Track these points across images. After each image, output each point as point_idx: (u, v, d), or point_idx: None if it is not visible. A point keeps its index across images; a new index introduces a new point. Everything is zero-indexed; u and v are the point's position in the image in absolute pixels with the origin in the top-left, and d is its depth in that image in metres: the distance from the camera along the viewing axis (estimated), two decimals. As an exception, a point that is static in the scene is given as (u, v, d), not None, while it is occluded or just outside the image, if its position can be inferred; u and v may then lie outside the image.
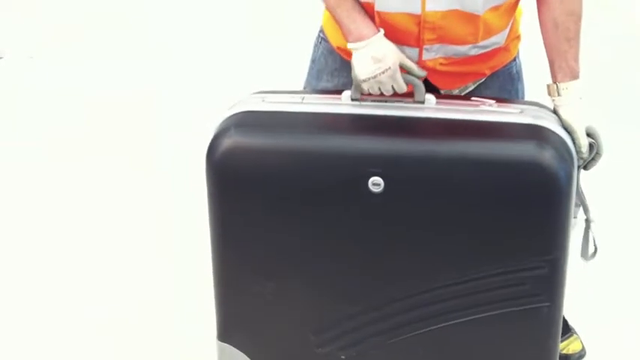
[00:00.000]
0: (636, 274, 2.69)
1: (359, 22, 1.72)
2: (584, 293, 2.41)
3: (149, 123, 3.68)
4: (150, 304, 2.58)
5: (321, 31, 1.98)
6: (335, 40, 1.90)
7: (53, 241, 2.90)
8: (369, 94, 1.73)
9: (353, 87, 1.72)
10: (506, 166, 1.61)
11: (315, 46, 2.00)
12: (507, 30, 1.84)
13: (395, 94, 1.72)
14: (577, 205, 1.73)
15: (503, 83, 1.93)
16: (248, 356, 1.84)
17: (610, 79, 3.88)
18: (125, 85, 4.02)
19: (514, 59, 1.95)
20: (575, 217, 1.73)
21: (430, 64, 1.81)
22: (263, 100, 1.76)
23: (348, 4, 1.73)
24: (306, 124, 1.71)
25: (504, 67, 1.93)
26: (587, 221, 1.77)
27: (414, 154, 1.64)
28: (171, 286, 2.64)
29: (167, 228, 2.93)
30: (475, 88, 1.92)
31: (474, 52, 1.82)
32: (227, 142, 1.68)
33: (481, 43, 1.81)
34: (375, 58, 1.69)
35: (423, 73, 1.74)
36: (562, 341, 2.06)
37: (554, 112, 1.73)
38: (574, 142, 1.69)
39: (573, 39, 1.73)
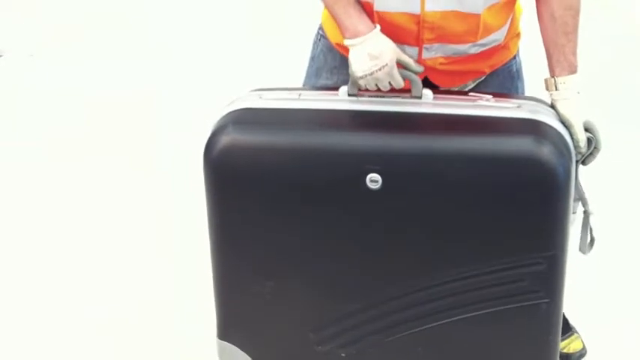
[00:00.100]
0: (636, 274, 2.68)
1: (355, 18, 1.72)
2: (584, 292, 2.41)
3: (149, 123, 3.67)
4: (150, 304, 2.58)
5: (321, 28, 1.98)
6: (334, 36, 1.90)
7: (53, 241, 2.90)
8: (366, 90, 1.72)
9: (350, 83, 1.72)
10: (503, 161, 1.60)
11: (315, 43, 2.00)
12: (507, 26, 1.84)
13: (392, 90, 1.72)
14: (576, 200, 1.73)
15: (503, 81, 1.93)
16: (248, 355, 1.84)
17: (610, 79, 3.88)
18: (125, 85, 4.02)
19: (514, 57, 1.95)
20: (574, 213, 1.73)
21: (430, 63, 1.81)
22: (260, 97, 1.76)
23: (345, 0, 1.73)
24: (303, 121, 1.71)
25: (504, 65, 1.93)
26: (586, 213, 1.77)
27: (411, 151, 1.63)
28: (171, 286, 2.64)
29: (167, 228, 2.93)
30: (475, 87, 1.91)
31: (473, 50, 1.82)
32: (224, 140, 1.68)
33: (480, 41, 1.81)
34: (371, 55, 1.69)
35: (420, 69, 1.74)
36: (563, 340, 2.06)
37: (552, 106, 1.73)
38: (572, 137, 1.69)
39: (571, 33, 1.73)
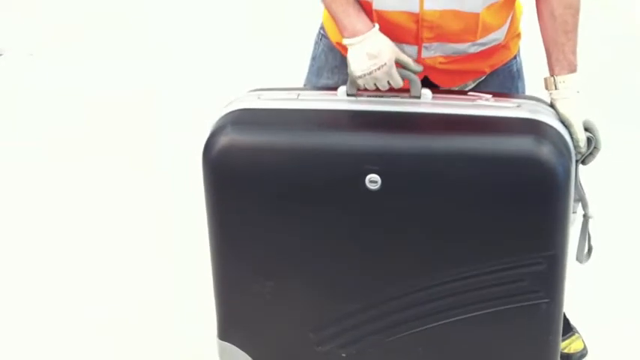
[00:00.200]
0: (637, 274, 2.68)
1: (353, 17, 1.72)
2: (585, 292, 2.41)
3: (149, 123, 3.67)
4: (150, 304, 2.58)
5: (322, 27, 1.98)
6: (334, 35, 1.90)
7: (53, 241, 2.89)
8: (365, 90, 1.72)
9: (349, 82, 1.72)
10: (503, 161, 1.60)
11: (316, 43, 2.00)
12: (506, 26, 1.84)
13: (391, 89, 1.72)
14: (576, 200, 1.72)
15: (504, 81, 1.93)
16: (249, 355, 1.84)
17: (610, 79, 3.87)
18: (125, 85, 4.02)
19: (514, 57, 1.94)
20: (574, 212, 1.72)
21: (429, 62, 1.81)
22: (259, 98, 1.76)
23: None
24: (302, 121, 1.71)
25: (504, 65, 1.93)
26: (586, 217, 1.77)
27: (410, 151, 1.63)
28: (171, 286, 2.64)
29: (167, 228, 2.92)
30: (475, 87, 1.91)
31: (473, 49, 1.82)
32: (223, 140, 1.68)
33: (480, 41, 1.80)
34: (370, 55, 1.68)
35: (419, 68, 1.74)
36: (563, 340, 2.06)
37: (552, 105, 1.73)
38: (572, 137, 1.69)
39: (571, 32, 1.73)
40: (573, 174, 1.64)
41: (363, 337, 1.77)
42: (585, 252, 1.82)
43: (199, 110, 2.90)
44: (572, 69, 1.73)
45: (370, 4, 1.74)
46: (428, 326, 1.73)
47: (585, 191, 1.74)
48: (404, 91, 1.72)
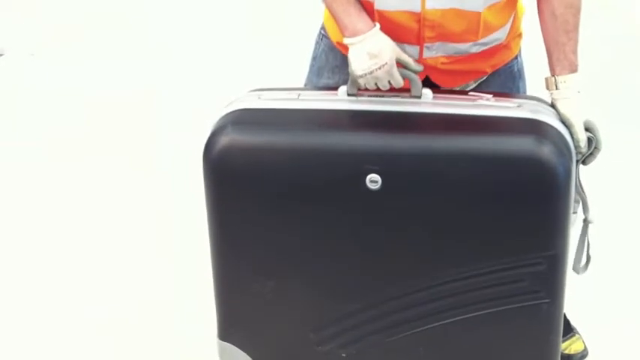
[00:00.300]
0: (637, 274, 2.68)
1: (354, 17, 1.71)
2: (585, 293, 2.41)
3: (149, 123, 3.67)
4: (150, 304, 2.57)
5: (322, 27, 1.98)
6: (335, 35, 1.90)
7: (53, 241, 2.89)
8: (366, 89, 1.72)
9: (349, 82, 1.72)
10: (504, 161, 1.60)
11: (317, 43, 2.00)
12: (508, 25, 1.84)
13: (392, 89, 1.72)
14: (576, 201, 1.72)
15: (505, 81, 1.93)
16: (249, 355, 1.84)
17: (610, 79, 3.87)
18: (125, 85, 4.02)
19: (515, 57, 1.94)
20: (575, 213, 1.72)
21: (431, 63, 1.81)
22: (259, 98, 1.75)
23: None
24: (302, 121, 1.71)
25: (506, 65, 1.92)
26: (586, 221, 1.77)
27: (411, 151, 1.63)
28: (171, 286, 2.64)
29: (167, 228, 2.92)
30: (476, 87, 1.90)
31: (474, 49, 1.82)
32: (224, 140, 1.68)
33: (481, 40, 1.80)
34: (371, 54, 1.68)
35: (419, 68, 1.73)
36: (564, 341, 2.06)
37: (552, 105, 1.73)
38: (572, 137, 1.68)
39: (572, 32, 1.73)
40: (574, 174, 1.64)
41: (363, 337, 1.77)
42: (583, 263, 1.82)
43: (199, 110, 2.91)
44: (573, 69, 1.73)
45: (372, 4, 1.74)
46: (428, 326, 1.73)
47: (586, 195, 1.74)
48: (405, 90, 1.72)
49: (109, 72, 4.15)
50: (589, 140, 1.71)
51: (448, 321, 1.72)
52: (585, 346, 2.11)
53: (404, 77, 1.71)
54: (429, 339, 1.75)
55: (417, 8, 1.73)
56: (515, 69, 1.95)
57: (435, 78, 1.85)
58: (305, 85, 2.02)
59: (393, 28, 1.73)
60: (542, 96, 1.76)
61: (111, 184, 3.21)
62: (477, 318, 1.70)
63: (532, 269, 1.66)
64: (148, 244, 2.85)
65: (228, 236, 1.75)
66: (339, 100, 1.73)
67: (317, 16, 2.01)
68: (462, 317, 1.71)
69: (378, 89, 1.72)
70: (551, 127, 1.65)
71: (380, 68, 1.68)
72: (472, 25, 1.76)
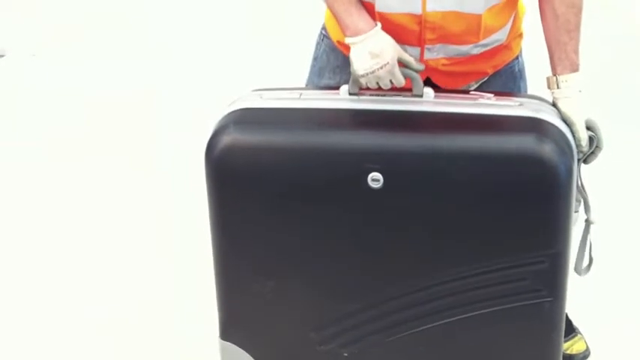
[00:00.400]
0: (639, 274, 2.68)
1: (355, 16, 1.71)
2: (587, 294, 2.41)
3: (149, 123, 3.67)
4: (150, 304, 2.57)
5: (323, 28, 1.97)
6: (336, 35, 1.89)
7: (53, 241, 2.89)
8: (367, 89, 1.72)
9: (351, 81, 1.72)
10: (505, 159, 1.60)
11: (318, 43, 2.00)
12: (508, 26, 1.84)
13: (393, 88, 1.72)
14: (578, 200, 1.72)
15: (506, 81, 1.93)
16: (250, 354, 1.84)
17: (610, 79, 3.88)
18: (125, 85, 4.02)
19: (516, 57, 1.94)
20: (576, 212, 1.72)
21: (432, 64, 1.81)
22: (261, 97, 1.75)
23: None
24: (304, 121, 1.70)
25: (507, 65, 1.92)
26: (587, 222, 1.77)
27: (413, 149, 1.63)
28: (171, 286, 2.64)
29: (167, 228, 2.92)
30: (478, 88, 1.90)
31: (475, 51, 1.82)
32: (226, 140, 1.68)
33: (482, 42, 1.80)
34: (372, 54, 1.68)
35: (421, 67, 1.73)
36: (566, 341, 2.06)
37: (554, 105, 1.72)
38: (574, 135, 1.68)
39: (574, 31, 1.73)
40: (575, 172, 1.64)
41: (364, 336, 1.77)
42: (585, 265, 1.82)
43: (199, 110, 2.91)
44: (575, 68, 1.73)
45: (373, 6, 1.74)
46: (430, 325, 1.73)
47: (587, 192, 1.74)
48: (406, 90, 1.72)
49: (109, 72, 4.15)
50: (590, 139, 1.70)
51: (450, 320, 1.72)
52: (587, 346, 2.11)
53: (405, 76, 1.71)
54: (430, 338, 1.74)
55: (418, 10, 1.73)
56: (517, 69, 1.95)
57: (436, 79, 1.85)
58: (306, 85, 2.02)
59: (394, 30, 1.73)
60: (543, 95, 1.76)
61: (111, 184, 3.21)
62: (479, 317, 1.70)
63: (534, 268, 1.65)
64: (148, 244, 2.85)
65: (229, 235, 1.75)
66: (340, 100, 1.73)
67: (317, 16, 2.01)
68: (463, 316, 1.71)
69: (380, 88, 1.72)
70: (553, 125, 1.65)
71: (382, 68, 1.68)
72: (473, 27, 1.76)
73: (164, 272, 2.70)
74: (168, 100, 3.87)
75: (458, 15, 1.73)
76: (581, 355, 2.10)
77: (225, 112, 1.73)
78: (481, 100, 1.69)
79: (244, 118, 1.71)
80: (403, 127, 1.67)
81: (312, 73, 2.01)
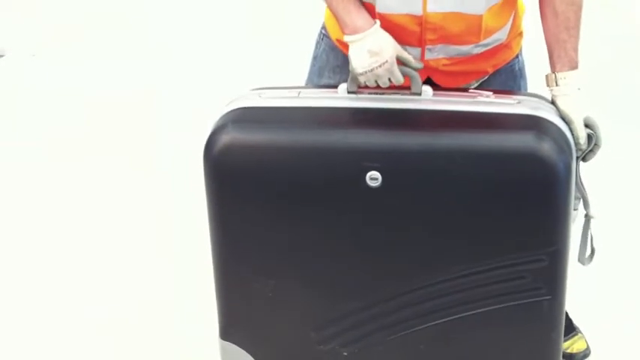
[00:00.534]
0: (638, 273, 2.68)
1: (354, 14, 1.71)
2: (588, 292, 2.41)
3: (149, 123, 3.67)
4: (150, 304, 2.57)
5: (323, 27, 1.97)
6: (335, 33, 1.89)
7: (53, 241, 2.89)
8: (366, 87, 1.72)
9: (349, 79, 1.72)
10: (504, 157, 1.60)
11: (317, 42, 2.00)
12: (509, 26, 1.84)
13: (392, 86, 1.72)
14: (577, 198, 1.72)
15: (506, 80, 1.93)
16: (250, 354, 1.84)
17: (610, 79, 3.87)
18: (125, 85, 4.02)
19: (517, 56, 1.94)
20: (575, 210, 1.72)
21: (433, 64, 1.81)
22: (260, 96, 1.75)
23: None
24: (303, 119, 1.71)
25: (507, 64, 1.92)
26: (587, 217, 1.77)
27: (411, 148, 1.63)
28: (171, 286, 2.64)
29: (167, 228, 2.92)
30: (478, 87, 1.90)
31: (476, 50, 1.82)
32: (225, 139, 1.68)
33: (483, 42, 1.80)
34: (371, 52, 1.68)
35: (419, 65, 1.73)
36: (566, 340, 2.06)
37: (552, 102, 1.72)
38: (572, 133, 1.68)
39: (573, 29, 1.73)
40: (574, 170, 1.64)
41: (364, 335, 1.77)
42: (588, 254, 1.82)
43: (199, 110, 2.90)
44: (574, 66, 1.73)
45: (373, 7, 1.74)
46: (430, 324, 1.73)
47: (587, 192, 1.74)
48: (405, 88, 1.72)
49: (109, 72, 4.15)
50: (589, 137, 1.70)
51: (449, 318, 1.72)
52: (588, 345, 2.11)
53: (404, 75, 1.71)
54: (430, 337, 1.74)
55: (419, 11, 1.73)
56: (517, 68, 1.95)
57: (436, 79, 1.85)
58: (305, 84, 2.02)
59: (394, 31, 1.73)
60: (542, 94, 1.76)
61: (111, 184, 3.21)
62: (479, 315, 1.70)
63: (533, 266, 1.65)
64: (148, 244, 2.85)
65: (228, 235, 1.75)
66: (339, 98, 1.73)
67: (317, 16, 2.01)
68: (463, 315, 1.71)
69: (378, 87, 1.72)
70: (552, 123, 1.65)
71: (380, 66, 1.68)
72: (473, 27, 1.76)
73: (164, 272, 2.70)
74: (168, 100, 3.87)
75: (458, 16, 1.73)
76: (582, 354, 2.10)
77: (224, 111, 1.73)
78: (480, 98, 1.69)
79: (243, 117, 1.71)
80: (402, 126, 1.67)
81: (311, 72, 2.01)
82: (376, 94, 1.72)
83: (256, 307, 1.80)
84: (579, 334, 2.11)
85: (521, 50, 1.96)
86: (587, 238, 1.79)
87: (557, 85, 1.72)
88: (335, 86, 1.76)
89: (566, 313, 1.94)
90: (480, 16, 1.74)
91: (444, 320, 1.72)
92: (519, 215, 1.63)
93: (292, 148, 1.67)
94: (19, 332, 2.50)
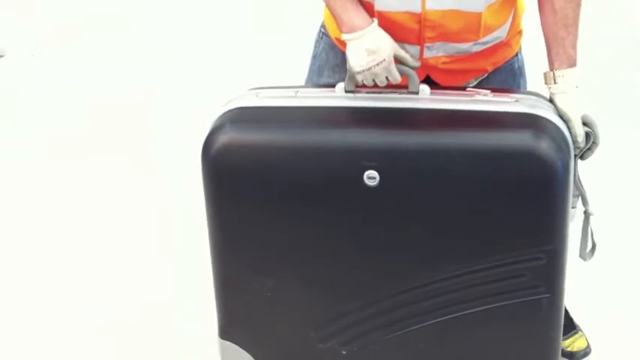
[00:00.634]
0: (638, 270, 2.68)
1: (352, 13, 1.71)
2: (588, 291, 2.41)
3: (149, 123, 3.67)
4: (150, 304, 2.57)
5: (323, 26, 1.97)
6: (334, 32, 1.89)
7: (53, 241, 2.89)
8: (364, 86, 1.72)
9: (347, 78, 1.72)
10: (502, 155, 1.60)
11: (317, 41, 2.00)
12: (508, 24, 1.84)
13: (389, 85, 1.72)
14: (575, 196, 1.72)
15: (505, 78, 1.93)
16: (250, 353, 1.84)
17: (609, 79, 3.87)
18: (125, 85, 4.01)
19: (516, 55, 1.94)
20: (573, 208, 1.72)
21: (432, 62, 1.81)
22: (257, 96, 1.75)
23: None
24: (300, 119, 1.71)
25: (506, 62, 1.92)
26: (586, 213, 1.77)
27: (409, 147, 1.63)
28: (171, 286, 2.64)
29: (167, 228, 2.92)
30: (477, 85, 1.90)
31: (475, 48, 1.82)
32: (222, 139, 1.68)
33: (482, 40, 1.80)
34: (369, 50, 1.68)
35: (417, 64, 1.73)
36: (567, 338, 2.06)
37: (551, 100, 1.72)
38: (570, 131, 1.68)
39: (571, 26, 1.72)
40: (572, 169, 1.64)
41: (364, 334, 1.77)
42: (589, 249, 1.82)
43: (199, 110, 2.90)
44: (572, 63, 1.73)
45: (372, 6, 1.74)
46: (428, 323, 1.73)
47: (585, 188, 1.74)
48: (402, 87, 1.72)
49: (109, 72, 4.15)
50: (587, 135, 1.70)
51: (448, 317, 1.72)
52: (588, 344, 2.11)
53: (401, 73, 1.71)
54: (429, 335, 1.74)
55: (418, 9, 1.73)
56: (516, 66, 1.95)
57: (435, 77, 1.85)
58: (305, 83, 2.02)
59: (393, 29, 1.73)
60: (541, 92, 1.76)
61: (111, 184, 3.21)
62: (477, 314, 1.70)
63: (532, 264, 1.65)
64: (148, 244, 2.85)
65: (227, 234, 1.75)
66: (336, 97, 1.73)
67: (317, 16, 2.01)
68: (462, 313, 1.71)
69: (376, 85, 1.71)
70: (549, 121, 1.64)
71: (378, 64, 1.68)
72: (472, 25, 1.76)
73: (164, 272, 2.70)
74: (168, 100, 3.87)
75: (457, 13, 1.73)
76: (582, 353, 2.10)
77: (222, 111, 1.73)
78: (477, 97, 1.69)
79: (240, 116, 1.71)
80: (399, 125, 1.67)
81: (311, 71, 2.01)
82: (374, 93, 1.72)
83: (255, 306, 1.80)
84: (580, 333, 2.11)
85: (520, 48, 1.96)
86: (587, 233, 1.79)
87: (555, 82, 1.72)
88: (333, 85, 1.76)
89: (567, 311, 1.94)
90: (479, 14, 1.74)
91: (442, 319, 1.72)
92: (517, 213, 1.63)
93: (290, 148, 1.67)
94: (19, 332, 2.50)
